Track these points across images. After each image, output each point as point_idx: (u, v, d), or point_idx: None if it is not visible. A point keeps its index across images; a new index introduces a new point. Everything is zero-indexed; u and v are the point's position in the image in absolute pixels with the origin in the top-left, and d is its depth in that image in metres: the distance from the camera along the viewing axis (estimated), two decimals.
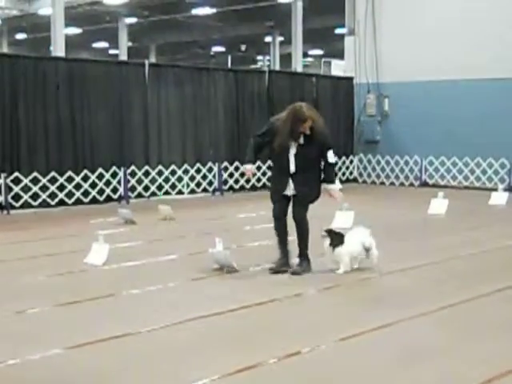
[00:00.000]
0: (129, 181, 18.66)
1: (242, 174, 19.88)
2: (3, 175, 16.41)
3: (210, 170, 20.51)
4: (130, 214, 14.40)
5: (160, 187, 19.40)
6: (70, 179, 17.58)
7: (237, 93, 21.31)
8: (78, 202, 17.74)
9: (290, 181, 9.60)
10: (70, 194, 17.61)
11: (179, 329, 7.11)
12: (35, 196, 17.06)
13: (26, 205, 16.90)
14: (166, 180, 19.51)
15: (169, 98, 19.74)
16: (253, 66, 54.81)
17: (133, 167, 18.75)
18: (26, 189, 16.89)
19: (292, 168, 9.56)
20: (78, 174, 17.69)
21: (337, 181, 10.05)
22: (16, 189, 16.70)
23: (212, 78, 20.91)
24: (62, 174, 17.43)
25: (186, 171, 19.95)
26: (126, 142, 18.82)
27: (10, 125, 16.75)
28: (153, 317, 7.46)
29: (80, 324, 7.28)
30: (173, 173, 19.64)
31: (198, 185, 20.30)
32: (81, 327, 7.16)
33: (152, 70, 19.52)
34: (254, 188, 21.23)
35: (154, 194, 19.26)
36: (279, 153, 9.59)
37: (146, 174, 19.10)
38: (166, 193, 19.49)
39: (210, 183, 20.57)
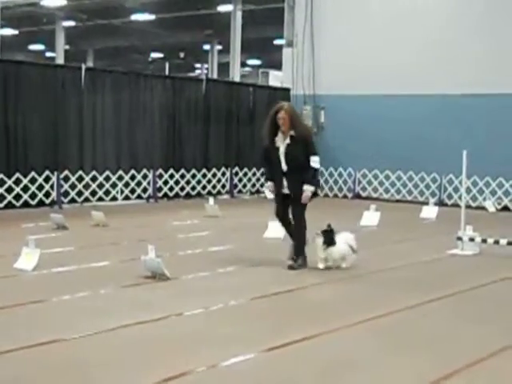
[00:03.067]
0: (62, 185, 18.46)
1: (177, 182, 20.16)
2: None
3: (145, 176, 20.43)
4: (62, 220, 14.26)
5: (94, 193, 19.24)
6: (1, 182, 17.31)
7: (174, 100, 21.29)
8: (10, 205, 17.49)
9: (284, 180, 10.52)
10: (1, 198, 17.35)
11: (108, 336, 7.06)
12: None
13: None
14: (100, 186, 19.35)
15: (105, 103, 19.61)
16: (191, 74, 54.69)
17: (66, 172, 18.55)
18: None
19: (284, 167, 10.48)
20: (9, 177, 17.44)
21: (308, 186, 10.46)
22: None
23: (149, 84, 20.85)
24: None
25: (120, 177, 19.82)
26: (61, 146, 18.63)
27: None
28: (82, 324, 7.39)
29: (6, 330, 7.18)
30: (107, 179, 19.50)
31: (133, 191, 20.19)
32: (7, 333, 7.05)
33: (88, 74, 19.38)
34: (188, 196, 21.23)
35: (87, 199, 19.09)
36: (272, 153, 10.51)
37: (80, 179, 18.91)
38: (100, 199, 19.34)
39: (145, 190, 20.49)
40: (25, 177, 17.72)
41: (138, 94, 20.37)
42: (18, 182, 17.63)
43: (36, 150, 18.08)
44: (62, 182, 18.46)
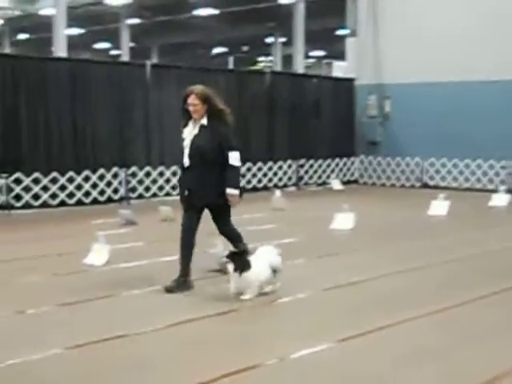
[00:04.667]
0: (130, 181, 18.67)
1: (244, 175, 20.05)
2: (4, 176, 16.42)
3: None
4: (130, 215, 14.41)
5: (161, 188, 19.40)
6: (71, 179, 17.58)
7: (238, 93, 21.29)
8: (79, 202, 17.75)
9: (186, 177, 8.58)
10: (70, 195, 17.62)
11: (177, 331, 7.09)
12: (36, 196, 17.06)
13: (26, 205, 16.91)
14: (167, 181, 19.51)
15: (170, 98, 19.72)
16: (254, 68, 54.76)
17: (134, 168, 18.75)
18: (27, 189, 16.90)
19: (185, 160, 8.53)
20: (79, 175, 17.70)
21: (231, 189, 8.49)
22: (17, 189, 16.71)
23: (213, 78, 20.88)
24: (63, 175, 17.43)
25: None
26: (128, 143, 18.83)
27: (12, 125, 16.77)
28: (152, 318, 7.44)
29: (80, 324, 7.28)
30: (174, 173, 19.62)
31: None
32: (81, 328, 7.15)
33: (153, 70, 19.53)
34: (254, 189, 21.21)
35: (155, 194, 19.26)
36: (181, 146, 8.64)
37: (147, 174, 19.10)
38: (167, 194, 19.48)
39: None
40: (93, 173, 17.95)
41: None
42: (86, 179, 17.88)
43: (104, 147, 18.29)
44: (129, 178, 18.66)
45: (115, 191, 18.47)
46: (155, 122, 19.49)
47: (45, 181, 17.14)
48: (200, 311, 7.68)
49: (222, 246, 9.61)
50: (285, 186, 22.06)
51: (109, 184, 18.30)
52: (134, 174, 18.77)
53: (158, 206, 15.37)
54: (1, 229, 14.47)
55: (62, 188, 17.48)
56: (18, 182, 16.77)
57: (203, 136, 8.41)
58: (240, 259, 8.23)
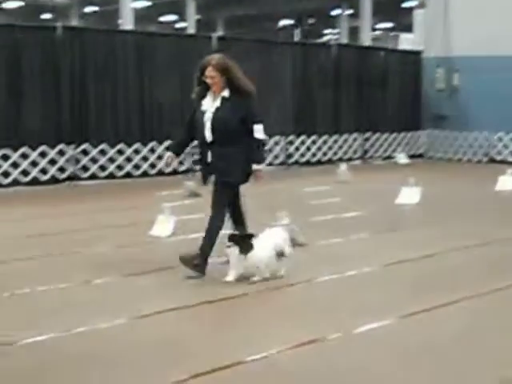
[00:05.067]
0: (194, 153, 18.73)
1: (309, 148, 20.01)
2: (72, 147, 16.65)
3: (277, 143, 20.44)
4: (195, 187, 14.47)
5: None
6: (137, 151, 17.76)
7: (304, 66, 21.18)
8: (145, 174, 17.93)
9: (209, 153, 7.91)
10: (136, 166, 17.80)
11: (238, 301, 7.11)
12: (103, 167, 17.28)
13: (93, 176, 17.14)
14: None
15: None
16: (320, 40, 54.35)
17: None
18: (93, 160, 17.12)
19: (208, 136, 7.88)
20: (145, 146, 17.86)
21: (257, 165, 7.96)
22: (84, 160, 16.94)
23: (279, 51, 20.83)
24: (129, 146, 17.62)
25: None
26: None
27: (80, 97, 16.98)
28: (218, 289, 7.47)
29: (144, 295, 7.35)
30: None
31: None
32: (145, 298, 7.22)
33: (219, 43, 19.50)
34: (319, 162, 21.14)
35: None
36: (198, 120, 7.99)
37: None
38: None
39: (276, 156, 20.53)
40: (160, 145, 18.08)
41: (268, 62, 20.36)
42: (152, 150, 18.03)
43: (169, 118, 18.37)
44: (194, 150, 18.71)
45: (180, 163, 18.56)
46: None
47: (111, 152, 17.34)
48: (258, 286, 7.67)
49: (288, 219, 9.57)
50: (350, 159, 21.89)
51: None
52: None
53: None
54: (67, 199, 14.71)
55: (128, 159, 17.67)
56: (85, 153, 17.00)
57: (226, 109, 7.82)
58: (244, 241, 7.75)
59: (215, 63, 7.82)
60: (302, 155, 20.97)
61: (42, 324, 6.30)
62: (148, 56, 18.04)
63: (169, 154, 8.37)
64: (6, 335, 5.98)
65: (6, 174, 15.88)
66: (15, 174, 15.97)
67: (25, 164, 16.06)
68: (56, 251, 9.42)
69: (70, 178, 16.81)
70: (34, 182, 16.22)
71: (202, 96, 8.02)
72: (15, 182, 16.01)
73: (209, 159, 7.86)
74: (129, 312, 6.65)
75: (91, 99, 17.16)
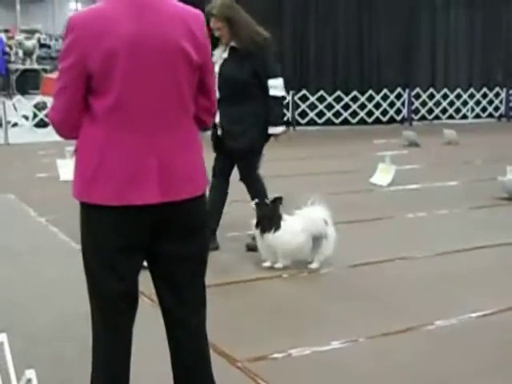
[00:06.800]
0: (413, 103, 18.55)
1: None
2: (292, 92, 16.92)
3: (497, 94, 19.84)
4: (414, 137, 14.36)
5: (444, 111, 19.12)
6: (354, 99, 17.80)
7: None
8: (362, 121, 17.96)
9: (218, 115, 6.52)
10: (353, 114, 17.86)
11: (451, 258, 6.96)
12: (320, 114, 17.47)
13: (311, 122, 17.39)
14: (451, 104, 19.19)
15: (458, 18, 19.23)
16: None
17: (417, 89, 18.59)
18: (312, 106, 17.34)
19: (216, 93, 6.25)
20: (363, 94, 17.87)
21: (273, 127, 6.83)
22: (303, 106, 17.20)
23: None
24: (347, 94, 17.68)
25: (471, 95, 19.50)
26: (413, 63, 18.67)
27: (300, 45, 17.21)
28: (430, 243, 7.35)
29: (359, 244, 7.31)
30: (458, 96, 19.26)
31: (484, 110, 19.77)
32: (360, 247, 7.19)
33: None
34: None
35: (437, 117, 19.03)
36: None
37: (431, 96, 18.87)
38: (450, 117, 19.18)
39: (497, 108, 19.94)
40: (377, 94, 18.04)
41: (491, 10, 19.63)
42: (370, 98, 18.02)
43: (388, 67, 18.25)
44: (413, 100, 18.53)
45: (398, 112, 18.44)
46: (442, 42, 19.09)
47: (329, 99, 17.48)
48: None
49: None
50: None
51: (392, 104, 18.31)
52: (417, 96, 18.62)
53: (441, 129, 15.16)
54: (285, 144, 14.94)
55: (346, 107, 17.74)
56: (304, 99, 17.25)
57: (234, 61, 6.71)
58: (269, 216, 6.34)
59: (216, 12, 6.63)
60: None
61: None
62: (369, 1, 17.90)
63: None
64: None
65: None
66: None
67: None
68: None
69: (288, 123, 17.13)
70: None
71: (215, 46, 6.78)
72: None
73: (217, 119, 6.62)
74: (341, 261, 6.71)
75: (311, 45, 17.36)
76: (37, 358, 4.31)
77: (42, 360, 4.34)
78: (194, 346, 3.32)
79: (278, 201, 6.37)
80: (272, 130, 6.77)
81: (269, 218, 6.30)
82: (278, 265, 6.38)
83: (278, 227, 6.28)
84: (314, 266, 6.41)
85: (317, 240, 6.33)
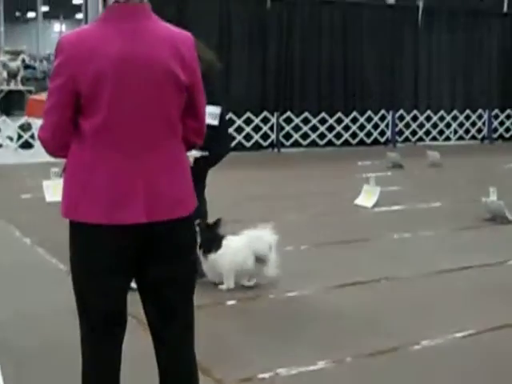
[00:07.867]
0: (397, 124, 18.68)
1: None
2: (276, 114, 17.00)
3: (480, 116, 20.00)
4: (398, 158, 14.43)
5: (427, 132, 19.26)
6: (339, 121, 17.90)
7: None
8: (346, 143, 18.06)
9: None
10: (338, 136, 17.96)
11: (442, 278, 6.99)
12: (305, 136, 17.55)
13: (295, 144, 17.47)
14: (434, 125, 19.34)
15: (440, 42, 19.44)
16: None
17: (401, 111, 18.72)
18: (296, 128, 17.42)
19: None
20: (347, 116, 17.97)
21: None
22: (287, 128, 17.28)
23: (485, 23, 20.19)
24: (331, 116, 17.78)
25: (454, 117, 19.66)
26: (396, 86, 18.79)
27: (286, 66, 17.30)
28: (418, 263, 7.38)
29: (345, 264, 7.33)
30: (441, 118, 19.41)
31: (467, 131, 19.94)
32: (346, 268, 7.20)
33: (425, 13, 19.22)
34: None
35: (420, 139, 19.16)
36: None
37: (414, 118, 19.01)
38: (433, 138, 19.33)
39: (479, 130, 20.10)
40: (361, 115, 18.13)
41: (472, 34, 19.81)
42: (354, 120, 18.11)
43: (372, 90, 18.39)
44: (396, 121, 18.65)
45: (382, 133, 18.56)
46: (424, 65, 19.25)
47: (314, 121, 17.57)
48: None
49: (496, 195, 9.36)
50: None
51: (376, 126, 18.43)
52: (401, 118, 18.75)
53: (425, 151, 15.24)
54: (270, 166, 15.03)
55: (330, 128, 17.84)
56: (288, 121, 17.33)
57: None
58: (209, 235, 6.28)
59: None
60: (508, 130, 20.38)
61: None
62: (352, 27, 18.12)
63: None
64: None
65: None
66: None
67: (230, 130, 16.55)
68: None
69: (273, 145, 17.22)
70: (239, 147, 16.60)
71: None
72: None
73: None
74: (323, 281, 6.73)
75: (296, 68, 17.45)
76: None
77: None
78: (183, 370, 3.30)
79: (218, 222, 6.32)
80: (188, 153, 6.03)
81: (211, 239, 6.27)
82: (223, 286, 6.34)
83: (219, 246, 6.26)
84: (247, 283, 6.39)
85: (260, 261, 6.28)
